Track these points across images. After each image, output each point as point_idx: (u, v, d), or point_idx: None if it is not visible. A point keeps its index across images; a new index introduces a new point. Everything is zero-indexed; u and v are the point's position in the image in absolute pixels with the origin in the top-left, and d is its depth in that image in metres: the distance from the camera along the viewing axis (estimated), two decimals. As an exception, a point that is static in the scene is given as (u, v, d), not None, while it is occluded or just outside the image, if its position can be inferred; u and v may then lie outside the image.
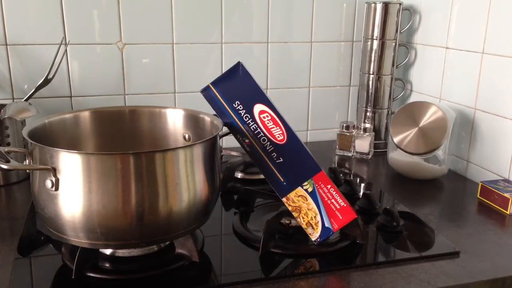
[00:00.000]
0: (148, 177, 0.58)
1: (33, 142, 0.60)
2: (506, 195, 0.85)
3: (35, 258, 0.69)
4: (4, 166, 0.57)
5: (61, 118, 0.76)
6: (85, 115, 0.79)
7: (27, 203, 0.86)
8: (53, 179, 0.57)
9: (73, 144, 0.76)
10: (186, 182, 0.61)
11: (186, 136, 0.80)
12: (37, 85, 1.00)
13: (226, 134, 0.75)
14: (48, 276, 0.64)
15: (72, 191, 0.57)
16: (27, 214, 0.81)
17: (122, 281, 0.62)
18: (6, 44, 1.02)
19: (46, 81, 1.00)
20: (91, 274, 0.62)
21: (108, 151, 0.73)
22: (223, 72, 0.73)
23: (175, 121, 0.81)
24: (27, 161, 0.63)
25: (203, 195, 0.64)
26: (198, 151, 0.63)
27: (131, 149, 0.73)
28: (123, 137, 0.81)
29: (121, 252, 0.66)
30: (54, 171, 0.57)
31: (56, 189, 0.57)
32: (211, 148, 0.65)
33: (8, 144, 0.94)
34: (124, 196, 0.57)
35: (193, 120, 0.79)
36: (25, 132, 0.64)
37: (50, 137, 0.70)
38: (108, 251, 0.66)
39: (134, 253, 0.66)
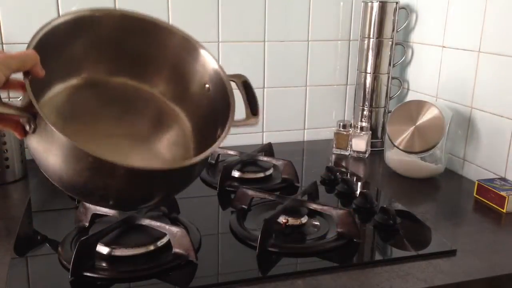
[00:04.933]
0: None
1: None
2: (503, 193, 0.85)
3: (32, 257, 0.68)
4: None
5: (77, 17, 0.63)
6: (112, 15, 0.67)
7: (23, 203, 0.85)
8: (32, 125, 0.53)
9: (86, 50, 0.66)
10: None
11: (206, 86, 0.70)
12: (33, 84, 0.99)
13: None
14: (45, 275, 0.64)
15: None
16: (23, 213, 0.81)
17: (119, 281, 0.62)
18: (2, 43, 1.02)
19: (42, 80, 1.00)
20: (88, 274, 0.62)
21: (117, 70, 0.69)
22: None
23: (204, 65, 0.70)
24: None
25: None
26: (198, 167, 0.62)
27: (142, 73, 0.71)
28: (142, 54, 0.71)
29: (118, 252, 0.66)
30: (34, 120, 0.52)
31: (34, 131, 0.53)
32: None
33: (4, 144, 0.94)
34: None
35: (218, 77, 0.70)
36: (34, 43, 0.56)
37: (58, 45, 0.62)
38: (105, 251, 0.66)
39: (131, 252, 0.66)
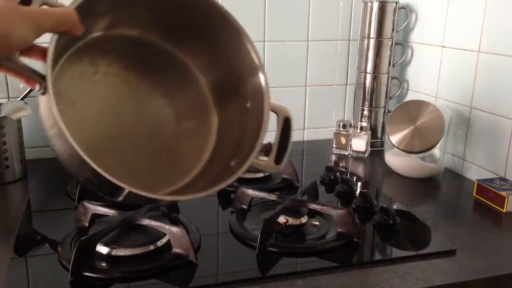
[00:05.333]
0: None
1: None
2: (502, 193, 0.85)
3: (31, 257, 0.68)
4: None
5: None
6: None
7: (23, 203, 0.85)
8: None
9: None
10: None
11: (248, 104, 0.63)
12: (33, 84, 0.99)
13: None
14: (44, 275, 0.64)
15: None
16: (23, 213, 0.81)
17: (119, 281, 0.62)
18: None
19: (42, 80, 0.99)
20: (88, 274, 0.62)
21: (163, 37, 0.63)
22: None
23: (252, 71, 0.62)
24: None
25: None
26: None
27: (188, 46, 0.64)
28: (186, 30, 0.62)
29: (117, 252, 0.66)
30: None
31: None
32: None
33: (4, 144, 0.94)
34: None
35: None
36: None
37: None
38: (105, 251, 0.66)
39: (130, 252, 0.66)
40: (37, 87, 0.47)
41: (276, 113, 0.60)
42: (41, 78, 0.47)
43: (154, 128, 0.65)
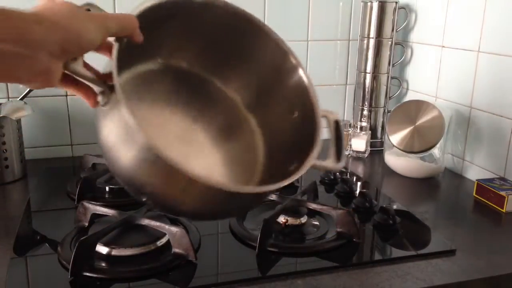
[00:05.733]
0: None
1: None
2: (502, 193, 0.85)
3: (31, 257, 0.68)
4: None
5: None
6: (213, 5, 0.59)
7: (23, 203, 0.85)
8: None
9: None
10: None
11: (295, 114, 0.64)
12: (33, 84, 0.99)
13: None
14: (44, 275, 0.64)
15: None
16: (22, 213, 0.81)
17: (118, 281, 0.62)
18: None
19: (42, 80, 0.99)
20: (87, 274, 0.62)
21: (200, 63, 0.64)
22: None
23: (298, 87, 0.63)
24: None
25: None
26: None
27: (226, 74, 0.65)
28: (233, 54, 0.64)
29: (117, 252, 0.66)
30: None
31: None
32: None
33: (4, 144, 0.93)
34: None
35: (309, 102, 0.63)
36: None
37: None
38: (104, 251, 0.66)
39: (130, 252, 0.66)
40: (99, 98, 0.47)
41: (326, 117, 0.63)
42: (105, 86, 0.47)
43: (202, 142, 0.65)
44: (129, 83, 0.59)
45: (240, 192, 0.49)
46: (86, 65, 0.46)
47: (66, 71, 0.44)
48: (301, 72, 0.63)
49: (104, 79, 0.47)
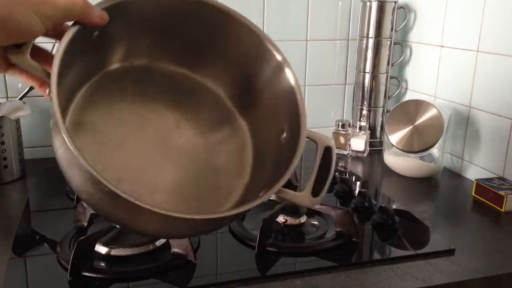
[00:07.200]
0: None
1: None
2: (501, 193, 0.85)
3: (30, 257, 0.68)
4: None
5: None
6: None
7: (22, 202, 0.85)
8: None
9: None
10: None
11: (284, 135, 0.58)
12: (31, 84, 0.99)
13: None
14: (43, 275, 0.64)
15: None
16: (21, 213, 0.80)
17: (118, 281, 0.62)
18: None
19: (41, 80, 0.99)
20: (87, 274, 0.61)
21: (174, 59, 0.60)
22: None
23: (283, 80, 0.58)
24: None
25: None
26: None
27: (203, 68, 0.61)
28: (207, 48, 0.60)
29: (116, 252, 0.66)
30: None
31: None
32: None
33: (3, 143, 0.93)
34: None
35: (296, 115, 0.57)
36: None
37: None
38: (103, 250, 0.66)
39: (129, 252, 0.66)
40: (47, 91, 0.44)
41: (315, 142, 0.55)
42: (46, 76, 0.44)
43: (183, 157, 0.61)
44: (96, 80, 0.56)
45: (184, 218, 0.44)
46: (37, 51, 0.43)
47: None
48: (289, 75, 0.58)
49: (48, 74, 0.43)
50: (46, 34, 0.44)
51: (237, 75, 0.62)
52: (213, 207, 0.59)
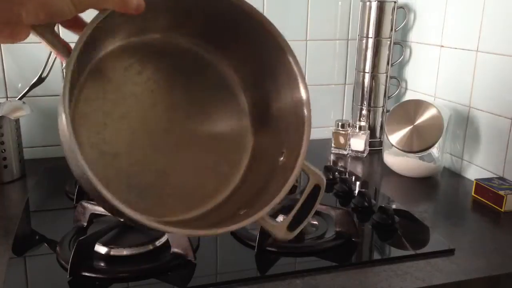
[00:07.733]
0: None
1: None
2: (501, 192, 0.85)
3: (30, 257, 0.68)
4: None
5: None
6: None
7: (21, 202, 0.85)
8: None
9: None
10: None
11: (281, 158, 0.56)
12: (31, 84, 0.99)
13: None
14: (43, 275, 0.64)
15: None
16: (21, 213, 0.81)
17: (117, 280, 0.62)
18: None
19: (40, 80, 0.99)
20: (86, 274, 0.62)
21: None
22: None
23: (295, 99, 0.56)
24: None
25: None
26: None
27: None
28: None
29: (116, 252, 0.66)
30: None
31: None
32: None
33: (2, 143, 0.93)
34: None
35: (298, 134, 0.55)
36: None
37: None
38: (103, 251, 0.66)
39: (129, 252, 0.66)
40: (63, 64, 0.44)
41: (308, 175, 0.53)
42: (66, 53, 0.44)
43: (179, 146, 0.59)
44: (116, 55, 0.53)
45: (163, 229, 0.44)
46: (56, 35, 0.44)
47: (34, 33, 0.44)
48: (306, 112, 0.55)
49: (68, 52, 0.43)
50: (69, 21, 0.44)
51: (257, 79, 0.60)
52: (194, 204, 0.57)
